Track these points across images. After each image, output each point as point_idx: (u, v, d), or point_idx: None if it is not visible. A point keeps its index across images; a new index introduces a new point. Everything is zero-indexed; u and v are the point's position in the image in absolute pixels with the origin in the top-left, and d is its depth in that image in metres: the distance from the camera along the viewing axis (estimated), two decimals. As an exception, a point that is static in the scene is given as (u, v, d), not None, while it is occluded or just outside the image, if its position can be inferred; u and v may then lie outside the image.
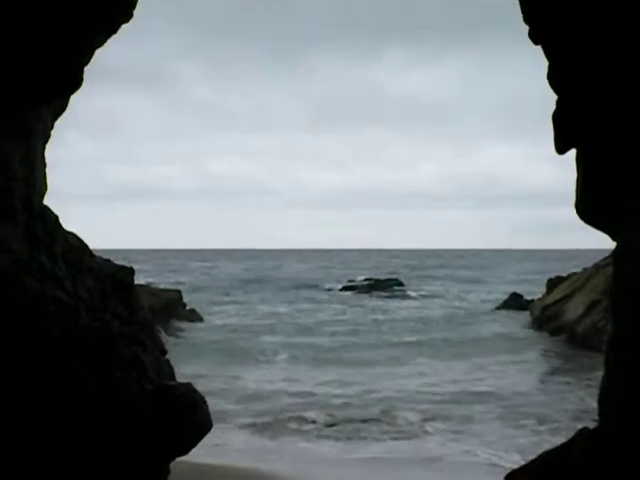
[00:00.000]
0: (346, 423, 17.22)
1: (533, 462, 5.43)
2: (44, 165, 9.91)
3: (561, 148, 6.24)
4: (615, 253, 5.99)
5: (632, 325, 5.32)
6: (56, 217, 9.79)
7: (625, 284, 5.45)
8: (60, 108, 9.88)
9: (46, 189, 9.88)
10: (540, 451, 5.77)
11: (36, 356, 8.46)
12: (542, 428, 16.98)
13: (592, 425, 5.63)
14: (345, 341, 32.85)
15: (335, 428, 16.88)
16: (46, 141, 9.93)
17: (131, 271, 10.50)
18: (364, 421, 17.45)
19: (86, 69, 9.23)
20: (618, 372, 5.37)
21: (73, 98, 9.75)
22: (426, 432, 16.70)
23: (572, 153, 6.65)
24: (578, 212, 6.28)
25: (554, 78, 6.23)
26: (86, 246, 10.27)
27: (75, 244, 9.94)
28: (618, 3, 5.46)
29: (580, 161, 6.19)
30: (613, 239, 6.24)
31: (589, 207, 6.12)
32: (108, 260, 10.60)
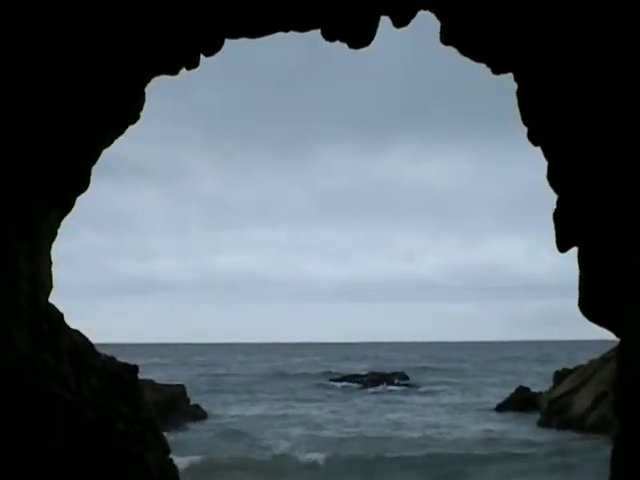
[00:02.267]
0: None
1: None
2: (50, 263, 9.98)
3: (563, 246, 6.30)
4: (619, 349, 5.99)
5: (637, 423, 5.28)
6: (61, 315, 9.81)
7: (630, 381, 5.43)
8: (67, 207, 10.01)
9: (52, 287, 9.93)
10: None
11: (39, 453, 8.37)
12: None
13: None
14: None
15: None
16: (52, 239, 10.03)
17: (135, 369, 10.47)
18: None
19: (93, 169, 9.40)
20: (624, 472, 5.30)
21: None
22: None
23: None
24: (581, 309, 6.30)
25: (554, 178, 6.33)
26: (90, 344, 10.27)
27: (80, 342, 9.94)
28: (615, 107, 5.59)
29: (582, 259, 6.24)
30: (617, 336, 6.24)
31: (593, 305, 6.15)
32: (112, 358, 10.59)
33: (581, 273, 6.26)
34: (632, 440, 5.46)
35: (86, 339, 10.22)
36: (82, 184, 8.97)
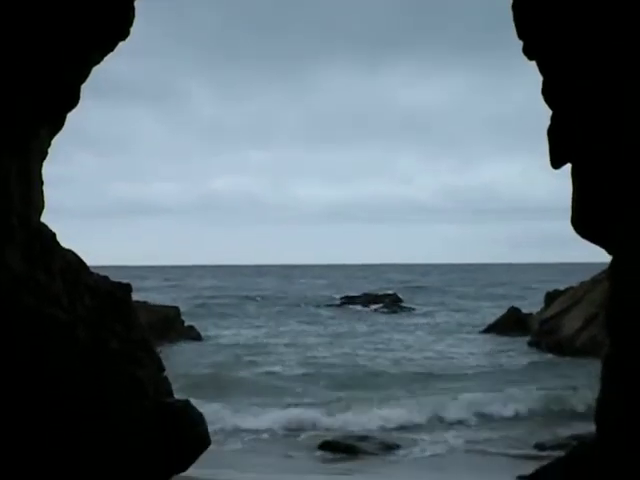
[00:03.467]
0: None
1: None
2: (41, 183, 9.92)
3: (556, 163, 6.25)
4: (611, 269, 6.00)
5: (629, 343, 5.31)
6: (53, 234, 9.79)
7: (622, 299, 5.45)
8: (57, 126, 9.89)
9: (43, 206, 9.89)
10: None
11: (33, 373, 8.44)
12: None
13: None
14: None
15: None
16: (43, 158, 9.95)
17: (128, 288, 10.50)
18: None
19: (84, 86, 9.27)
20: (615, 391, 5.36)
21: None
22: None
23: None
24: (574, 226, 6.28)
25: (548, 93, 6.25)
26: (84, 263, 10.27)
27: (73, 261, 9.94)
28: (615, 20, 5.49)
29: (576, 176, 6.20)
30: (609, 253, 6.25)
31: (585, 221, 6.13)
32: (106, 277, 10.60)
33: (574, 190, 6.23)
34: (622, 359, 5.51)
35: (79, 258, 10.22)
36: (71, 101, 8.85)
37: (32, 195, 9.37)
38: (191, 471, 10.09)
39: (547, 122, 6.50)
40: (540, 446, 16.48)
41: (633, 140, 5.51)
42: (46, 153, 10.04)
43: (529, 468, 14.05)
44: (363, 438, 17.05)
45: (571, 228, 6.31)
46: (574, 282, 39.87)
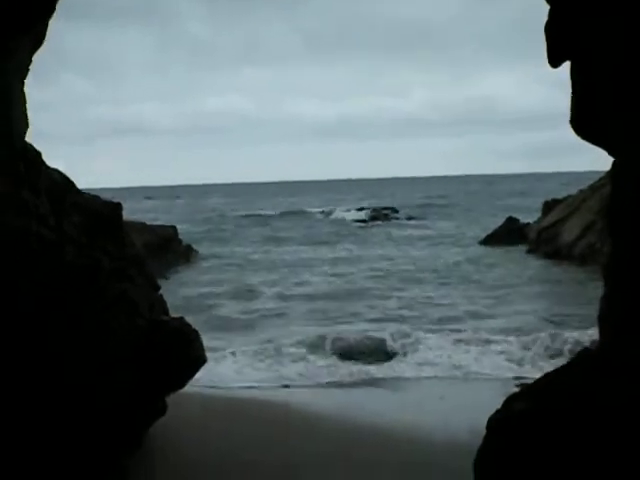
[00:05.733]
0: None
1: (533, 385, 5.30)
2: (24, 101, 9.61)
3: (555, 60, 5.97)
4: (613, 170, 5.78)
5: (632, 244, 5.13)
6: (38, 153, 9.54)
7: (624, 202, 5.24)
8: (37, 40, 9.54)
9: (27, 126, 9.60)
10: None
11: (20, 294, 8.28)
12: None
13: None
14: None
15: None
16: (24, 76, 9.62)
17: (118, 206, 10.29)
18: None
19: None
20: (618, 292, 5.21)
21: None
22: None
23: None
24: (574, 127, 6.04)
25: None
26: (71, 182, 10.04)
27: (59, 180, 9.71)
28: None
29: (575, 74, 5.93)
30: (611, 154, 6.02)
31: (585, 122, 5.88)
32: (95, 196, 10.38)
33: (573, 88, 5.97)
34: (623, 258, 5.34)
35: (66, 178, 9.98)
36: (45, 6, 8.49)
37: (13, 114, 9.07)
38: (188, 388, 10.09)
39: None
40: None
41: (637, 31, 5.23)
42: (27, 70, 9.71)
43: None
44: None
45: (568, 135, 6.08)
46: (572, 191, 39.71)
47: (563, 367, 5.35)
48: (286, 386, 14.45)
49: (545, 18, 6.20)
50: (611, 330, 5.14)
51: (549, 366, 14.17)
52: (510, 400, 5.15)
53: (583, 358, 5.20)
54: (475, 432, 5.92)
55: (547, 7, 6.26)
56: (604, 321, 5.36)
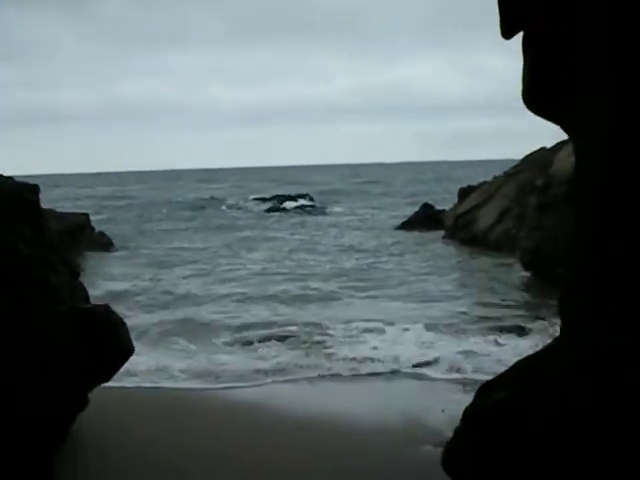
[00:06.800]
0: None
1: (509, 372, 5.05)
2: None
3: (507, 31, 5.73)
4: (577, 151, 5.55)
5: (599, 227, 4.92)
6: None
7: (591, 184, 5.02)
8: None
9: None
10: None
11: None
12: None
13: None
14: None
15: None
16: None
17: (36, 189, 9.72)
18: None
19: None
20: (582, 277, 4.98)
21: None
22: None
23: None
24: (526, 102, 5.81)
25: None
26: (-17, 163, 9.45)
27: (-29, 160, 9.09)
28: None
29: (528, 44, 5.70)
30: (565, 131, 5.83)
31: (538, 95, 5.65)
32: (10, 177, 9.79)
33: (526, 61, 5.72)
34: (589, 242, 5.12)
35: (-22, 158, 9.39)
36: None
37: None
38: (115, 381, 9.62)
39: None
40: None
41: None
42: None
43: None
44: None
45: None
46: (487, 178, 40.07)
47: (537, 354, 5.12)
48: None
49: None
50: (576, 316, 4.91)
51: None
52: (485, 389, 4.88)
53: (555, 345, 4.97)
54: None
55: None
56: (567, 306, 5.14)
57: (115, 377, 9.53)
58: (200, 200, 74.92)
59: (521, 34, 5.79)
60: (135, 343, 9.59)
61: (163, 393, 12.68)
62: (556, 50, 5.41)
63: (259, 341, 16.39)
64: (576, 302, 4.87)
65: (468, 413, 4.80)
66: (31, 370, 7.91)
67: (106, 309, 8.87)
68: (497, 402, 4.53)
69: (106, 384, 9.32)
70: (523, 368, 4.90)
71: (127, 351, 8.94)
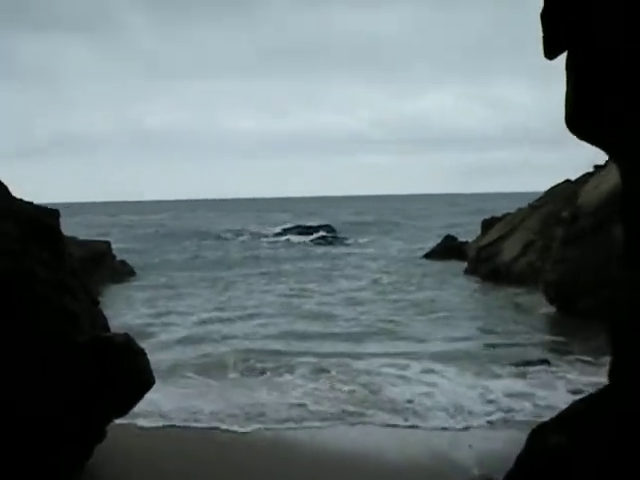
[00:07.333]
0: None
1: (565, 415, 4.71)
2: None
3: (551, 51, 5.48)
4: (624, 175, 5.25)
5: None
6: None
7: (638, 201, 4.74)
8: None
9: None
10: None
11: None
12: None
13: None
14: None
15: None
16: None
17: (56, 213, 9.51)
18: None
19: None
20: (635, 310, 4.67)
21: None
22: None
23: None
24: (569, 125, 5.54)
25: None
26: (4, 187, 9.25)
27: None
28: None
29: (572, 66, 5.43)
30: (610, 157, 5.55)
31: (584, 118, 5.38)
32: (30, 202, 9.59)
33: (570, 83, 5.46)
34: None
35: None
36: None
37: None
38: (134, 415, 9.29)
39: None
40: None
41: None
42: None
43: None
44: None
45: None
46: (511, 209, 39.68)
47: (595, 394, 4.79)
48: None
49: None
50: (632, 351, 4.58)
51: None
52: (540, 433, 4.55)
53: (613, 385, 4.64)
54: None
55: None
56: (619, 340, 4.81)
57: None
58: (224, 231, 74.76)
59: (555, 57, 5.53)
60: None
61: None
62: (602, 71, 5.14)
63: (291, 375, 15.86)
64: (630, 337, 4.57)
65: (522, 458, 4.48)
66: (46, 401, 7.63)
67: (126, 338, 8.58)
68: (554, 447, 4.22)
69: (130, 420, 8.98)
70: (580, 410, 4.58)
71: (148, 382, 8.63)
